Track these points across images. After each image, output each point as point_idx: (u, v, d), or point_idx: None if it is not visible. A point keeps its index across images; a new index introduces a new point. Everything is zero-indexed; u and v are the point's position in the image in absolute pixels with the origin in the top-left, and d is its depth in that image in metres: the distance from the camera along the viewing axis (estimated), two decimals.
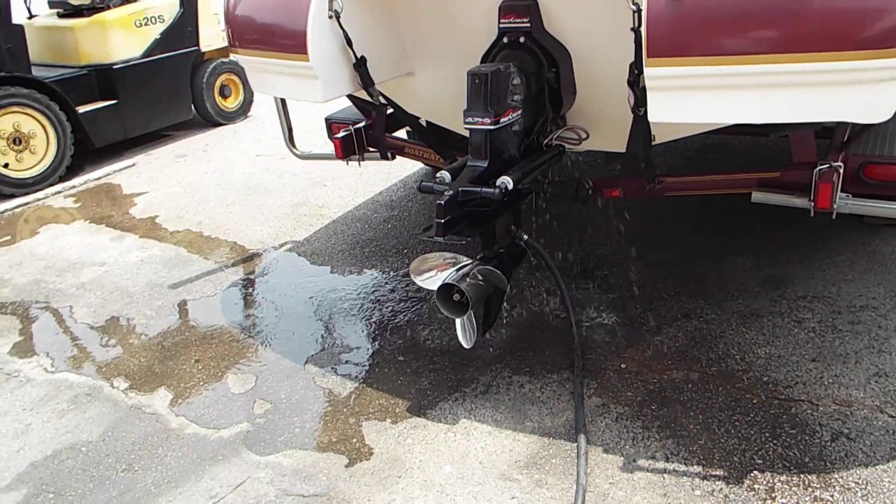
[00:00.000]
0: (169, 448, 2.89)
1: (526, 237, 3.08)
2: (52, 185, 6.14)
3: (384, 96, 3.40)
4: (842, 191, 2.96)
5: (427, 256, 2.91)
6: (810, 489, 2.38)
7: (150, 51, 6.81)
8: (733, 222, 4.25)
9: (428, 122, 3.93)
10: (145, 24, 6.73)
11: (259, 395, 3.16)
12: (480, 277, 2.74)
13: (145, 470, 2.78)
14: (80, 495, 2.68)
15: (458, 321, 2.81)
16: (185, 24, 7.07)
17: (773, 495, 2.37)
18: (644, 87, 2.43)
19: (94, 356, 3.61)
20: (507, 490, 2.50)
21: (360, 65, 3.13)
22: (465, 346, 2.83)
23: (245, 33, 3.35)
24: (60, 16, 6.82)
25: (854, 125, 3.19)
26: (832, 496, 2.35)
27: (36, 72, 6.16)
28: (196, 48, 7.21)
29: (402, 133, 4.53)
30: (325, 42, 3.01)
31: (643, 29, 2.31)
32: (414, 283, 2.93)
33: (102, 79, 6.54)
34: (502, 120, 2.83)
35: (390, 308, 3.75)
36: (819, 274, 3.66)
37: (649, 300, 3.57)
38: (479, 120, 2.81)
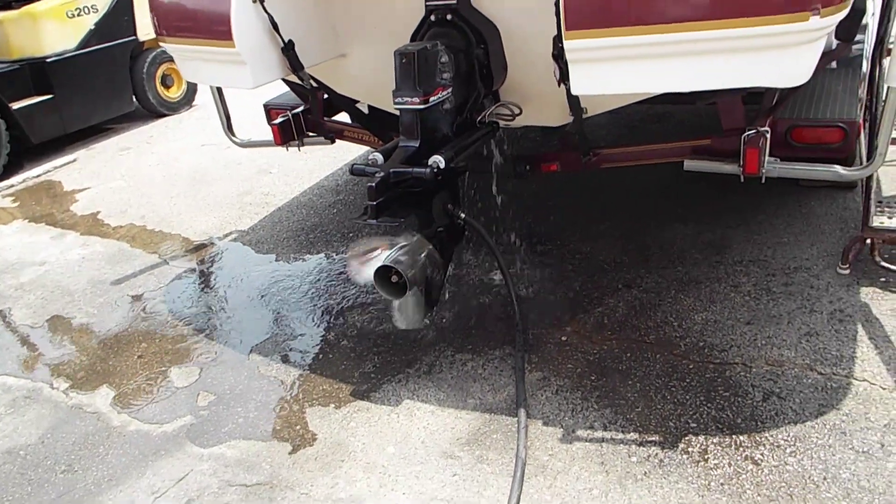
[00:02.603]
0: (110, 446, 2.85)
1: (464, 215, 3.08)
2: None
3: (315, 80, 3.35)
4: (771, 155, 3.01)
5: (361, 242, 2.89)
6: (741, 449, 2.44)
7: (84, 42, 6.61)
8: (677, 190, 4.31)
9: (370, 106, 3.89)
10: (78, 15, 6.52)
11: (203, 388, 3.13)
12: (419, 257, 2.73)
13: (86, 470, 2.73)
14: (17, 500, 2.63)
15: (395, 303, 2.80)
16: (121, 13, 6.87)
17: (706, 457, 2.43)
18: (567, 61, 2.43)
19: (34, 358, 3.53)
20: (449, 467, 2.52)
21: (289, 49, 3.08)
22: (403, 327, 2.83)
23: (171, 21, 3.26)
24: None
25: (782, 90, 3.24)
26: (762, 454, 2.41)
27: None
28: (134, 38, 7.02)
29: (344, 116, 4.48)
30: (250, 27, 2.95)
31: (560, 1, 2.30)
32: None
33: (36, 73, 6.32)
34: (432, 99, 2.81)
35: (335, 293, 3.73)
36: (756, 238, 3.73)
37: (591, 272, 3.61)
38: (409, 99, 2.79)
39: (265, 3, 2.94)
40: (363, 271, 2.84)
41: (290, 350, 3.31)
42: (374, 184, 2.67)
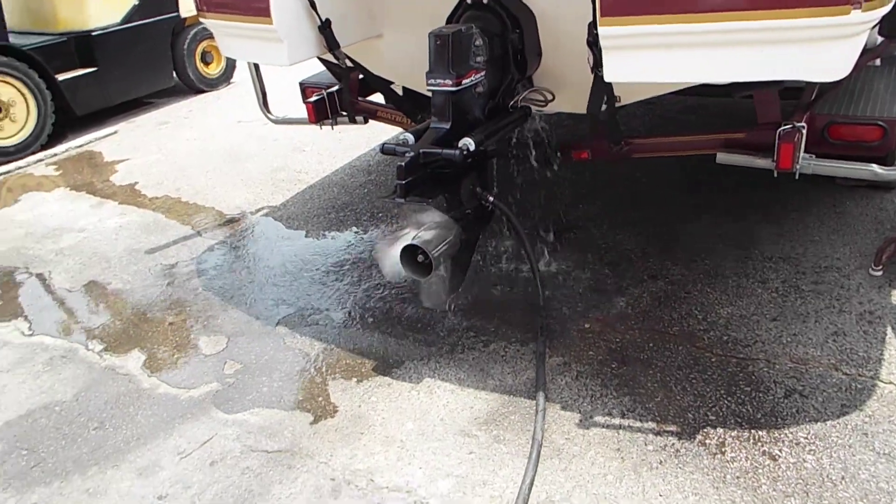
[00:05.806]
0: (140, 407, 2.94)
1: (492, 199, 3.10)
2: (33, 153, 6.12)
3: (350, 59, 3.38)
4: (806, 151, 2.98)
5: (390, 237, 2.91)
6: (760, 444, 2.43)
7: (129, 17, 6.74)
8: (707, 182, 4.27)
9: (404, 88, 3.91)
10: None
11: (230, 357, 3.21)
12: (445, 238, 2.76)
13: (116, 428, 2.83)
14: (52, 452, 2.73)
15: (422, 282, 2.84)
16: None
17: (723, 450, 2.43)
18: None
19: (71, 320, 3.65)
20: (466, 445, 2.55)
21: (325, 27, 3.12)
22: (428, 305, 2.87)
23: None
24: None
25: (821, 85, 3.19)
26: (780, 451, 2.40)
27: (13, 39, 6.10)
28: (176, 14, 7.13)
29: (379, 97, 4.51)
30: (288, 5, 3.00)
31: None
32: None
33: (81, 46, 6.47)
34: (464, 81, 2.83)
35: (361, 270, 3.78)
36: (787, 234, 3.69)
37: (617, 261, 3.60)
38: (441, 81, 2.81)
39: None
40: (390, 259, 2.86)
41: (316, 324, 3.37)
42: (403, 163, 2.70)
